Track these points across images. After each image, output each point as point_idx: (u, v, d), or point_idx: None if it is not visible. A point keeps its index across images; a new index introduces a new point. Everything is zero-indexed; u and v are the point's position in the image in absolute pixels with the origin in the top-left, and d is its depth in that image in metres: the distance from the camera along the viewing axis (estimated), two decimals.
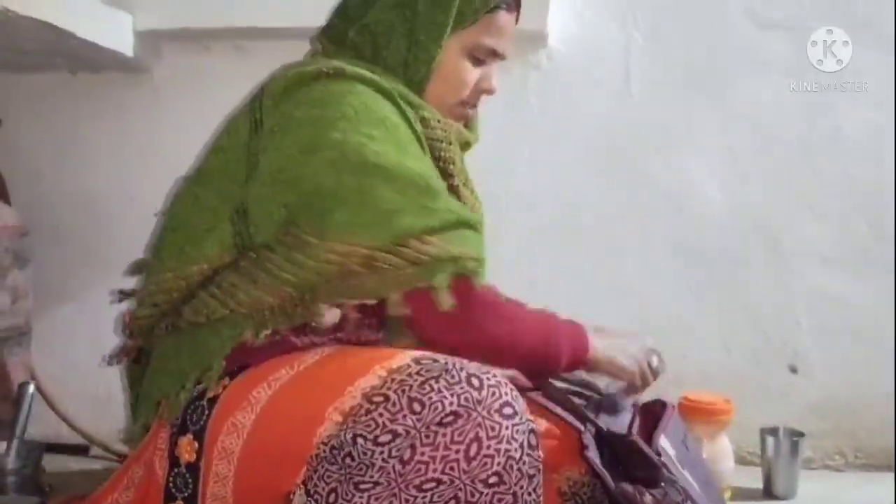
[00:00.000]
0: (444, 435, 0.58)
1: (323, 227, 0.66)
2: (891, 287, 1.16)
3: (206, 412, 0.66)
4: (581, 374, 0.77)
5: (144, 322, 0.72)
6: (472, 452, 0.58)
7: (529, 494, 0.60)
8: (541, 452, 0.61)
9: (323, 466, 0.61)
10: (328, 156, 0.67)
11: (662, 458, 0.70)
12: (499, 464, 0.58)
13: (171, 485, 0.66)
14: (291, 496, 0.63)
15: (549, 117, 1.17)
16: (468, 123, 0.83)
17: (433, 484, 0.59)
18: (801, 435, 1.07)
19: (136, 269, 0.79)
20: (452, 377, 0.60)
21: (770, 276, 1.18)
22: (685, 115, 1.17)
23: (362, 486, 0.59)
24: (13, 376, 1.09)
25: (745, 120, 1.17)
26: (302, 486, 0.62)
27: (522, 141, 1.17)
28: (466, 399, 0.59)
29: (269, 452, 0.64)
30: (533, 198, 1.18)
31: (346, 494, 0.59)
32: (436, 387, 0.60)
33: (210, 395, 0.67)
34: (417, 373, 0.61)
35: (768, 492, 1.06)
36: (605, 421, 0.73)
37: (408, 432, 0.59)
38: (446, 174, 0.74)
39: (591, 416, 0.72)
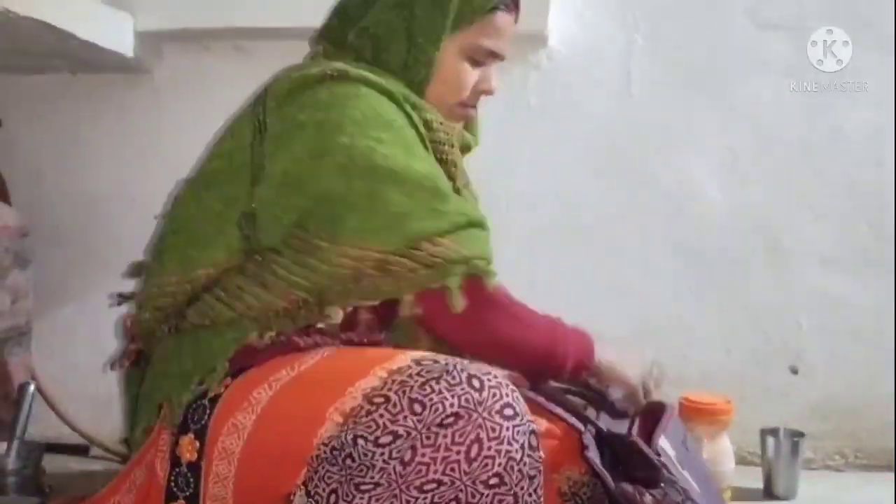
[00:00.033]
0: (445, 436, 0.59)
1: (334, 231, 0.67)
2: (891, 287, 1.16)
3: (208, 411, 0.66)
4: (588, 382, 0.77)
5: (146, 325, 0.72)
6: (473, 453, 0.58)
7: (530, 495, 0.60)
8: (541, 453, 0.61)
9: (323, 467, 0.61)
10: (337, 160, 0.67)
11: (662, 459, 0.70)
12: (500, 465, 0.59)
13: (172, 484, 0.67)
14: (292, 497, 0.63)
15: (550, 117, 1.17)
16: (469, 126, 0.83)
17: (434, 485, 0.59)
18: (802, 435, 1.07)
19: (136, 271, 0.79)
20: (453, 378, 0.60)
21: (770, 276, 1.18)
22: (685, 115, 1.17)
23: (363, 487, 0.59)
24: (13, 377, 1.09)
25: (745, 120, 1.17)
26: (302, 486, 0.62)
27: (523, 141, 1.17)
28: (467, 400, 0.59)
29: (270, 453, 0.64)
30: (533, 198, 1.18)
31: (347, 495, 0.59)
32: (436, 388, 0.60)
33: (211, 394, 0.67)
34: (418, 374, 0.61)
35: (769, 492, 1.06)
36: (605, 422, 0.73)
37: (408, 433, 0.59)
38: (448, 177, 0.74)
39: (592, 416, 0.72)
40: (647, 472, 0.68)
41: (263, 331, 0.68)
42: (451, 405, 0.59)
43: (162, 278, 0.71)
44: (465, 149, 0.82)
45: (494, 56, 0.78)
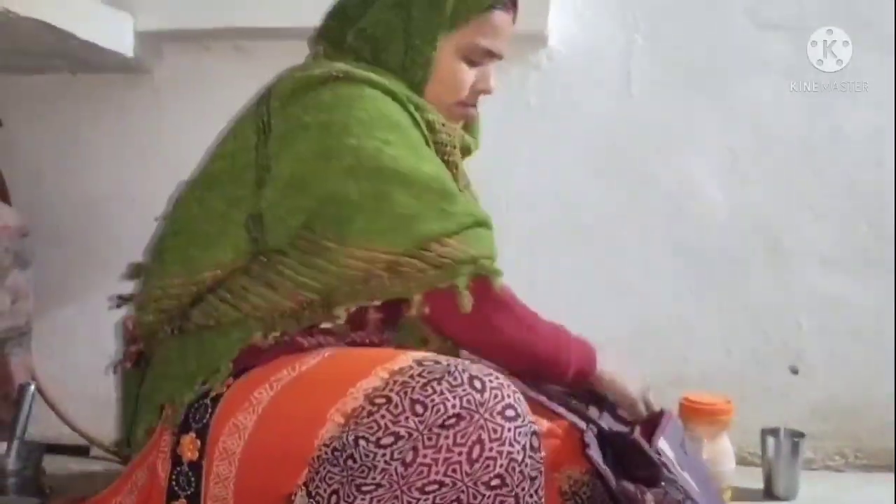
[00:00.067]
0: (447, 437, 0.59)
1: (342, 233, 0.67)
2: (891, 287, 1.15)
3: (210, 410, 0.66)
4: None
5: (148, 327, 0.72)
6: (475, 455, 0.58)
7: (531, 496, 0.60)
8: (543, 454, 0.61)
9: (324, 468, 0.61)
10: (345, 162, 0.67)
11: (662, 459, 0.70)
12: (501, 466, 0.59)
13: (173, 483, 0.67)
14: (293, 498, 0.63)
15: (550, 118, 1.17)
16: (470, 128, 0.83)
17: (435, 486, 0.59)
18: (802, 435, 1.07)
19: (135, 272, 0.79)
20: (455, 379, 0.60)
21: (770, 276, 1.18)
22: (685, 115, 1.17)
23: (364, 488, 0.59)
24: (14, 377, 1.09)
25: (745, 120, 1.17)
26: (303, 487, 0.62)
27: (522, 141, 1.17)
28: (469, 401, 0.59)
29: (271, 454, 0.64)
30: (533, 198, 1.18)
31: (348, 496, 0.59)
32: (438, 388, 0.60)
33: (213, 393, 0.67)
34: (419, 374, 0.61)
35: (769, 492, 1.06)
36: (607, 421, 0.73)
37: (410, 434, 0.59)
38: (451, 177, 0.74)
39: (595, 415, 0.72)
40: (648, 471, 0.68)
41: (268, 331, 0.68)
42: (453, 406, 0.59)
43: (165, 280, 0.71)
44: (465, 151, 0.82)
45: (492, 55, 0.77)
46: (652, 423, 0.76)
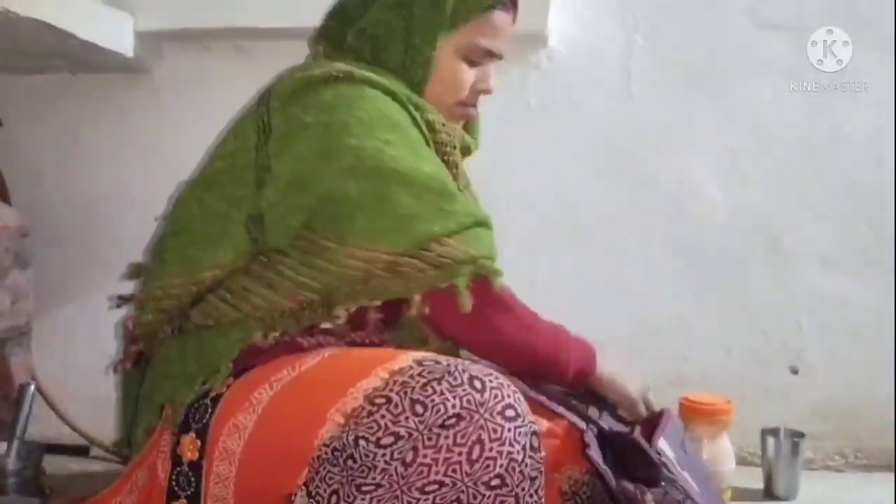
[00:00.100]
0: (447, 437, 0.59)
1: (342, 233, 0.67)
2: (891, 287, 1.15)
3: (210, 410, 0.67)
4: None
5: (148, 327, 0.72)
6: (475, 455, 0.58)
7: (531, 496, 0.60)
8: (543, 454, 0.61)
9: (324, 468, 0.61)
10: (345, 162, 0.67)
11: (662, 459, 0.70)
12: (501, 466, 0.59)
13: (173, 483, 0.67)
14: (293, 498, 0.63)
15: (550, 118, 1.17)
16: (470, 129, 0.83)
17: (435, 486, 0.59)
18: (802, 435, 1.07)
19: (134, 272, 0.79)
20: (455, 379, 0.60)
21: (770, 276, 1.18)
22: (685, 115, 1.17)
23: (364, 488, 0.59)
24: (14, 377, 1.09)
25: (745, 120, 1.17)
26: (303, 487, 0.62)
27: (522, 141, 1.17)
28: (469, 401, 0.59)
29: (271, 454, 0.64)
30: (533, 198, 1.18)
31: (348, 496, 0.59)
32: (438, 388, 0.60)
33: (213, 393, 0.67)
34: (419, 374, 0.61)
35: (769, 492, 1.06)
36: (607, 421, 0.73)
37: (410, 434, 0.59)
38: (451, 177, 0.75)
39: (595, 415, 0.72)
40: (648, 471, 0.68)
41: (268, 331, 0.68)
42: (453, 406, 0.59)
43: (165, 280, 0.71)
44: (465, 151, 0.82)
45: (492, 55, 0.77)
46: (652, 423, 0.76)
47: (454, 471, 0.58)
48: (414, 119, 0.72)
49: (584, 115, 1.17)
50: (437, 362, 0.63)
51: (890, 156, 1.15)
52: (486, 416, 0.59)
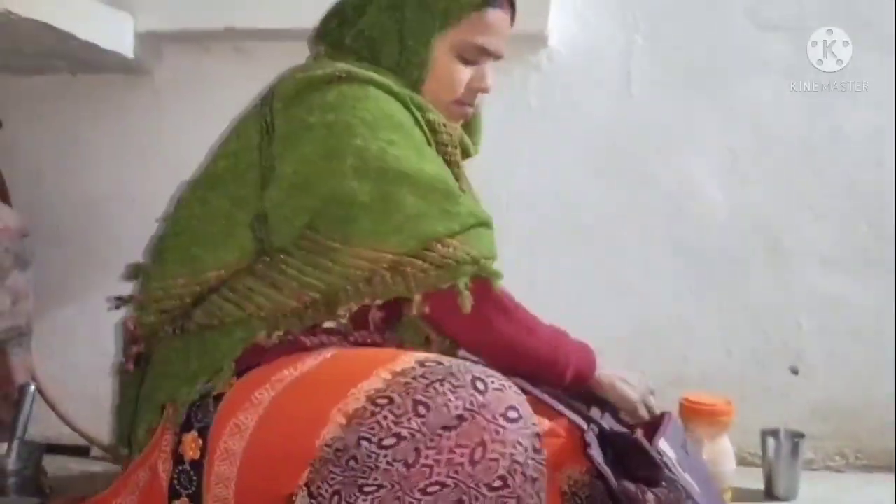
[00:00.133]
0: (449, 438, 0.59)
1: (347, 233, 0.67)
2: (891, 287, 1.15)
3: (212, 409, 0.67)
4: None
5: (150, 327, 0.72)
6: (477, 456, 0.58)
7: (533, 498, 0.60)
8: (545, 455, 0.61)
9: (326, 468, 0.61)
10: (350, 162, 0.67)
11: (664, 459, 0.70)
12: (503, 468, 0.58)
13: (175, 482, 0.67)
14: (294, 498, 0.63)
15: (550, 118, 1.17)
16: (471, 132, 0.83)
17: (437, 487, 0.59)
18: (802, 436, 1.07)
19: (134, 273, 0.79)
20: (457, 380, 0.60)
21: (770, 276, 1.18)
22: (685, 115, 1.17)
23: (366, 489, 0.59)
24: (14, 377, 1.09)
25: (745, 120, 1.17)
26: (305, 487, 0.62)
27: (523, 142, 1.17)
28: (471, 403, 0.59)
29: (272, 454, 0.64)
30: (533, 198, 1.18)
31: (350, 497, 0.59)
32: (441, 390, 0.60)
33: (215, 392, 0.67)
34: (422, 375, 0.61)
35: (769, 493, 1.06)
36: (608, 421, 0.73)
37: (412, 435, 0.59)
38: (453, 177, 0.75)
39: (596, 415, 0.72)
40: (649, 471, 0.68)
41: (272, 330, 0.68)
42: (456, 407, 0.59)
43: (166, 281, 0.71)
44: (464, 154, 0.82)
45: (487, 53, 0.77)
46: (653, 424, 0.76)
47: (456, 472, 0.58)
48: (416, 119, 0.73)
49: (584, 115, 1.17)
50: (440, 363, 0.63)
51: (890, 156, 1.15)
52: (489, 417, 0.59)
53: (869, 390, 1.17)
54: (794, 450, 1.06)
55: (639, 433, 0.71)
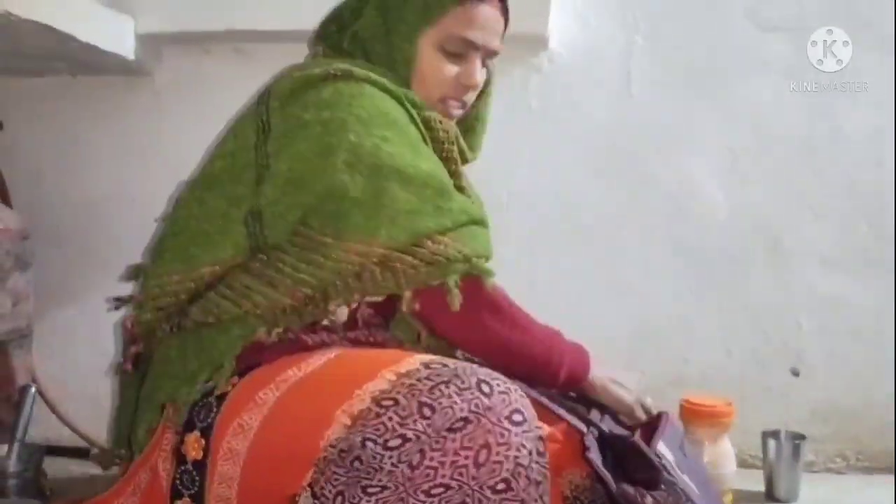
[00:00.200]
0: (454, 440, 0.58)
1: (339, 228, 0.67)
2: (891, 287, 1.15)
3: (215, 409, 0.67)
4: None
5: (147, 326, 0.72)
6: (482, 459, 0.58)
7: (536, 501, 0.60)
8: (548, 459, 0.61)
9: (330, 469, 0.61)
10: (343, 158, 0.67)
11: (662, 462, 0.70)
12: (507, 470, 0.58)
13: (177, 482, 0.67)
14: (297, 498, 0.63)
15: (550, 119, 1.17)
16: (470, 131, 0.82)
17: (441, 489, 0.58)
18: (803, 438, 1.07)
19: (133, 274, 0.79)
20: (462, 382, 0.60)
21: (770, 276, 1.18)
22: (686, 115, 1.17)
23: (370, 490, 0.59)
24: (15, 379, 1.09)
25: (745, 120, 1.17)
26: (308, 488, 0.62)
27: (523, 142, 1.17)
28: (477, 405, 0.59)
29: (276, 454, 0.64)
30: (533, 198, 1.18)
31: (354, 498, 0.59)
32: (446, 392, 0.60)
33: (218, 392, 0.67)
34: (427, 377, 0.61)
35: (770, 495, 1.06)
36: (608, 424, 0.73)
37: (418, 437, 0.59)
38: (450, 174, 0.75)
39: (596, 418, 0.72)
40: (648, 474, 0.68)
41: (271, 328, 0.68)
42: (461, 409, 0.59)
43: (163, 278, 0.71)
44: (461, 159, 0.81)
45: (473, 47, 0.76)
46: (651, 425, 0.76)
47: (460, 474, 0.58)
48: (412, 117, 0.72)
49: (584, 115, 1.17)
50: (445, 365, 0.63)
51: (890, 156, 1.15)
52: (494, 420, 0.59)
53: (869, 391, 1.17)
54: (795, 451, 1.05)
55: (637, 435, 0.71)
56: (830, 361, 1.17)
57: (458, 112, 0.79)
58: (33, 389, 1.01)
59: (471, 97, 0.79)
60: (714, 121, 1.17)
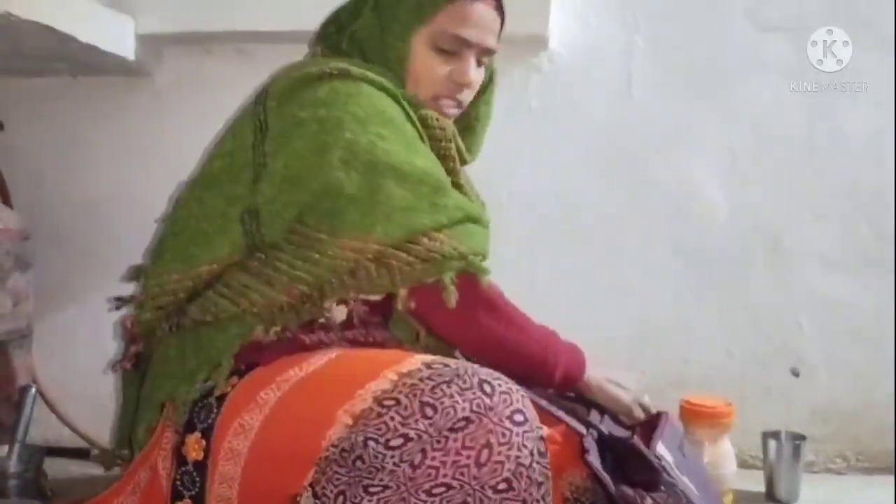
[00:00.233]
0: (456, 440, 0.58)
1: (334, 224, 0.67)
2: (891, 288, 1.15)
3: (215, 410, 0.67)
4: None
5: (147, 325, 0.73)
6: (483, 458, 0.58)
7: (538, 501, 0.60)
8: (549, 459, 0.61)
9: (332, 469, 0.61)
10: (339, 155, 0.67)
11: (662, 463, 0.70)
12: (509, 470, 0.58)
13: (178, 483, 0.67)
14: (298, 498, 0.63)
15: (550, 119, 1.17)
16: (468, 132, 0.82)
17: (443, 489, 0.58)
18: (803, 438, 1.07)
19: (134, 275, 0.79)
20: (464, 382, 0.60)
21: (770, 276, 1.18)
22: (686, 116, 1.17)
23: (371, 490, 0.59)
24: (15, 379, 1.09)
25: (745, 120, 1.17)
26: (309, 488, 0.62)
27: (523, 143, 1.17)
28: (478, 405, 0.59)
29: (278, 454, 0.64)
30: (533, 198, 1.18)
31: (355, 497, 0.59)
32: (448, 391, 0.60)
33: (218, 392, 0.67)
34: (429, 377, 0.61)
35: (770, 495, 1.06)
36: (608, 425, 0.73)
37: (419, 436, 0.59)
38: (447, 171, 0.75)
39: (596, 419, 0.72)
40: (648, 475, 0.68)
41: (268, 326, 0.68)
42: (463, 409, 0.59)
43: (162, 277, 0.72)
44: (459, 160, 0.81)
45: (466, 44, 0.75)
46: (651, 424, 0.75)
47: (462, 474, 0.58)
48: (408, 114, 0.72)
49: (584, 116, 1.17)
50: (446, 365, 0.63)
51: (890, 156, 1.15)
52: (495, 419, 0.59)
53: (869, 391, 1.17)
54: (796, 452, 1.05)
55: (636, 435, 0.71)
56: (831, 362, 1.17)
57: (453, 111, 0.79)
58: (33, 390, 1.01)
59: (466, 96, 0.79)
60: (714, 121, 1.17)
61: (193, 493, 0.66)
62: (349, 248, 0.66)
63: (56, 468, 1.07)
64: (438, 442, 0.58)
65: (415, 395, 0.60)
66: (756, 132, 1.17)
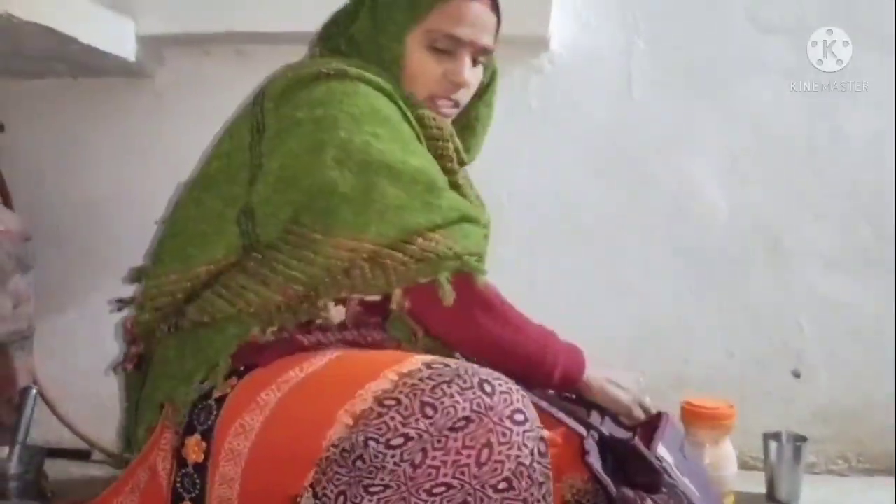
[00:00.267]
0: (456, 440, 0.58)
1: (328, 224, 0.67)
2: (891, 288, 1.15)
3: (215, 412, 0.67)
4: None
5: (146, 326, 0.73)
6: (483, 458, 0.58)
7: (539, 501, 0.60)
8: (549, 459, 0.61)
9: (332, 469, 0.61)
10: (334, 154, 0.67)
11: (663, 465, 0.70)
12: (509, 470, 0.58)
13: (178, 485, 0.67)
14: (299, 499, 0.63)
15: (551, 120, 1.17)
16: (467, 133, 0.82)
17: (443, 488, 0.58)
18: (804, 439, 1.07)
19: (135, 276, 0.80)
20: (465, 382, 0.60)
21: (771, 277, 1.18)
22: (686, 116, 1.17)
23: (372, 489, 0.59)
24: (16, 380, 1.09)
25: (745, 120, 1.17)
26: (310, 488, 0.62)
27: (523, 143, 1.17)
28: (479, 405, 0.59)
29: (278, 455, 0.64)
30: (533, 198, 1.18)
31: (355, 497, 0.59)
32: (448, 391, 0.60)
33: (217, 394, 0.67)
34: (429, 377, 0.61)
35: (771, 497, 1.06)
36: (608, 426, 0.73)
37: (420, 436, 0.59)
38: (445, 171, 0.75)
39: (597, 421, 0.72)
40: (649, 477, 0.68)
41: (265, 326, 0.68)
42: (463, 409, 0.59)
43: (161, 278, 0.72)
44: (457, 160, 0.81)
45: (461, 43, 0.75)
46: (651, 425, 0.75)
47: (462, 473, 0.58)
48: (405, 114, 0.72)
49: (585, 116, 1.17)
50: (447, 365, 0.63)
51: (890, 156, 1.15)
52: (496, 419, 0.59)
53: (870, 393, 1.16)
54: (797, 453, 1.05)
55: (637, 436, 0.71)
56: (831, 362, 1.17)
57: (449, 111, 0.79)
58: (34, 391, 1.01)
59: (462, 95, 0.79)
60: (714, 121, 1.17)
61: (194, 495, 0.66)
62: (344, 247, 0.66)
63: (57, 469, 1.08)
64: (439, 441, 0.59)
65: (415, 395, 0.60)
66: (756, 132, 1.17)
